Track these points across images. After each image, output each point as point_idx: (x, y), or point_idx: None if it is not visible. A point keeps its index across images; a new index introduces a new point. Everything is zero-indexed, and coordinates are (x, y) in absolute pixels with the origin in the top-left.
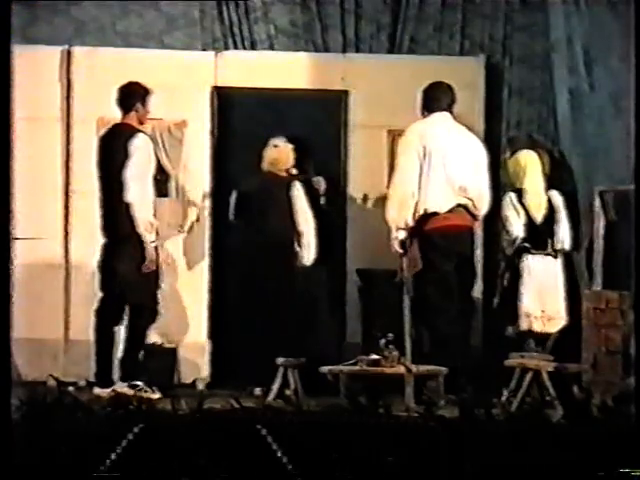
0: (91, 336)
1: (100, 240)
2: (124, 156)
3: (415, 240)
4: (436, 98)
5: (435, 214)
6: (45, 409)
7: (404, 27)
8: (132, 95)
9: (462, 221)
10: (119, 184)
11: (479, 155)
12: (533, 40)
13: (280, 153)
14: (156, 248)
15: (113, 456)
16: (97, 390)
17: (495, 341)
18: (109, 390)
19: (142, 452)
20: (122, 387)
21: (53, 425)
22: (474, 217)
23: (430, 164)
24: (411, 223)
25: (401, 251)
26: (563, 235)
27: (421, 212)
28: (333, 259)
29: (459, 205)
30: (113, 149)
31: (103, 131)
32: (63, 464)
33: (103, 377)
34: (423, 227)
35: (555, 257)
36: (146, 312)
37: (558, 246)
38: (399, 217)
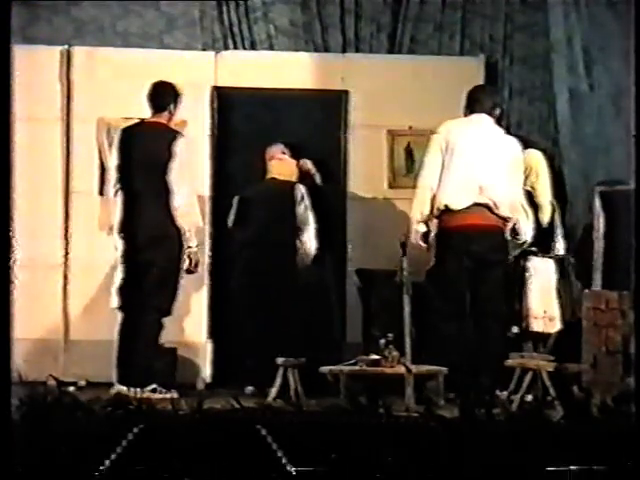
0: (115, 335)
1: (120, 238)
2: (168, 157)
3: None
4: (477, 100)
5: (450, 211)
6: (45, 409)
7: (404, 27)
8: (167, 94)
9: (482, 220)
10: (162, 185)
11: (512, 160)
12: (533, 40)
13: (285, 166)
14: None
15: (113, 456)
16: (119, 387)
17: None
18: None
19: (142, 452)
20: (140, 392)
21: (53, 425)
22: (502, 218)
23: (451, 160)
24: (431, 218)
25: (422, 244)
26: (562, 237)
27: (437, 207)
28: (333, 260)
29: (478, 204)
30: (154, 147)
31: (130, 125)
32: (63, 464)
33: (126, 377)
34: (440, 224)
35: (556, 259)
36: (165, 316)
37: (558, 248)
38: (417, 211)
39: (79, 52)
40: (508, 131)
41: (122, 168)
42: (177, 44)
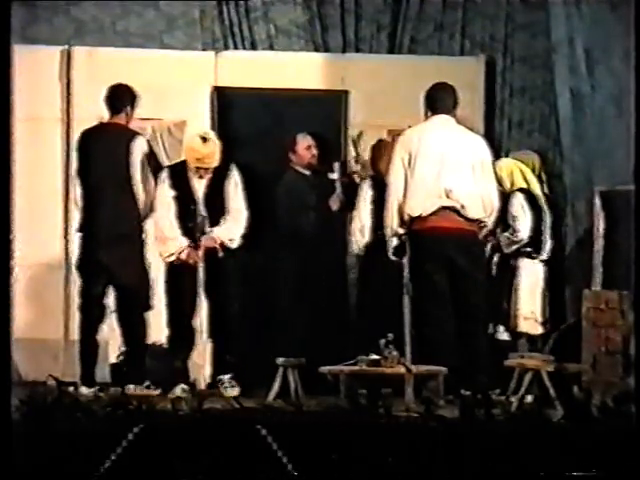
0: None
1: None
2: (127, 156)
3: None
4: (439, 100)
5: (419, 217)
6: (45, 409)
7: (404, 27)
8: (124, 97)
9: (449, 224)
10: (124, 184)
11: (478, 158)
12: (534, 39)
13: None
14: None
15: (113, 456)
16: (131, 388)
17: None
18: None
19: (142, 452)
20: (134, 389)
21: (53, 425)
22: (473, 220)
23: (415, 168)
24: (401, 230)
25: (395, 258)
26: (550, 239)
27: (406, 217)
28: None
29: (445, 207)
30: (114, 148)
31: (88, 127)
32: (63, 464)
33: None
34: (410, 227)
35: (545, 260)
36: (146, 310)
37: (546, 249)
38: (388, 225)
39: (79, 52)
40: (509, 130)
41: (83, 170)
42: (177, 44)
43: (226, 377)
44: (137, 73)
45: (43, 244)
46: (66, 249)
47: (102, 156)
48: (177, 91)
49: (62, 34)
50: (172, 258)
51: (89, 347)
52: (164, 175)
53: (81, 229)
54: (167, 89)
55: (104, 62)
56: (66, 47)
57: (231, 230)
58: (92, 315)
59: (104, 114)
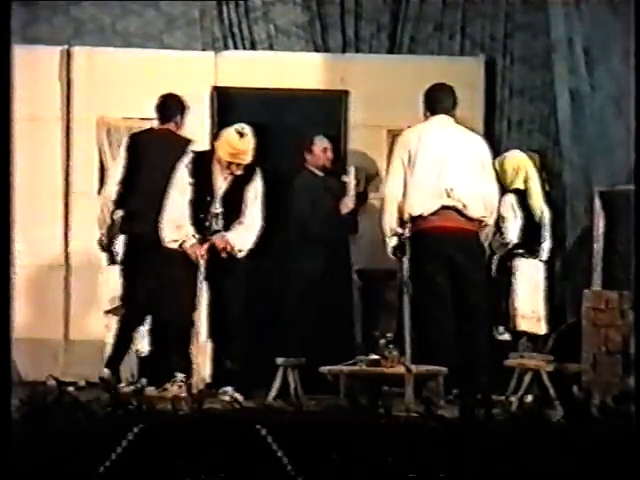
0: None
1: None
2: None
3: None
4: (438, 100)
5: (420, 217)
6: (45, 409)
7: (404, 27)
8: (175, 106)
9: (450, 223)
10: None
11: (478, 158)
12: (534, 39)
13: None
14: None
15: (113, 456)
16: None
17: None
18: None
19: (142, 452)
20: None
21: (53, 425)
22: (474, 219)
23: (415, 167)
24: (400, 229)
25: (394, 257)
26: (550, 238)
27: (406, 217)
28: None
29: (445, 207)
30: (166, 152)
31: (137, 131)
32: (63, 464)
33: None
34: (412, 227)
35: (545, 260)
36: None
37: (545, 249)
38: (387, 224)
39: (79, 52)
40: (509, 130)
41: (129, 172)
42: (177, 44)
43: (229, 389)
44: (137, 73)
45: (43, 244)
46: (66, 249)
47: (154, 159)
48: (177, 91)
49: (62, 34)
50: (175, 245)
51: (125, 341)
52: (187, 160)
53: (124, 230)
54: (167, 89)
55: (104, 62)
56: (66, 47)
57: (243, 240)
58: (135, 314)
59: (104, 114)
